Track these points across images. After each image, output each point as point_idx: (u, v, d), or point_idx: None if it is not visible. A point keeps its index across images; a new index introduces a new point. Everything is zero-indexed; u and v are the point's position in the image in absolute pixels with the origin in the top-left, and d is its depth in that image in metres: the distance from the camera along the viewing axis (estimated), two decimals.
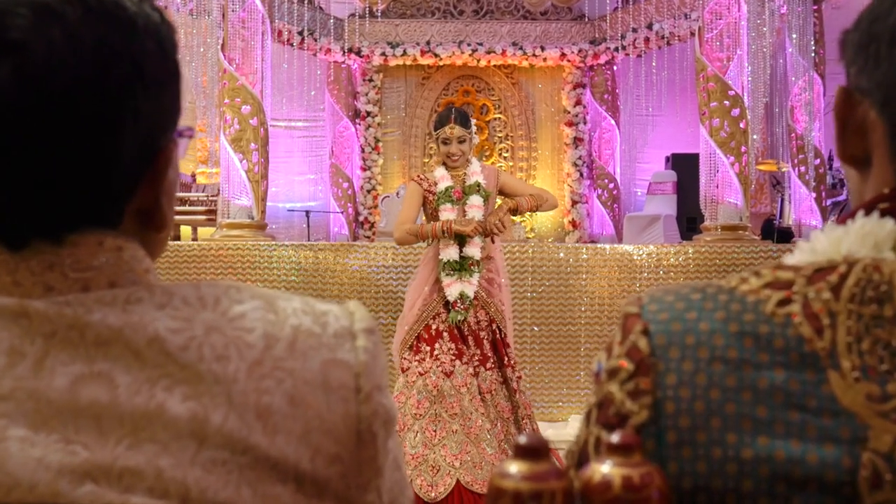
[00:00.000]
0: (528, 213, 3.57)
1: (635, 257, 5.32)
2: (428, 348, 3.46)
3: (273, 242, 5.61)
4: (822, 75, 7.39)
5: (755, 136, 6.16)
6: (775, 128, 7.85)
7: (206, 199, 7.55)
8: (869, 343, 0.56)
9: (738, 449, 0.56)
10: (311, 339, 0.62)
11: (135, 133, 0.60)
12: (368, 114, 9.47)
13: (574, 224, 9.52)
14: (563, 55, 9.36)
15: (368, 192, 9.48)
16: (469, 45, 9.26)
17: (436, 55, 9.27)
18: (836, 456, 0.54)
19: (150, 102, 0.61)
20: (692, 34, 7.14)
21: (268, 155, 6.04)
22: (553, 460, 0.56)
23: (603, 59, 9.42)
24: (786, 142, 7.53)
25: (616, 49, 9.19)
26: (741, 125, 5.75)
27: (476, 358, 3.47)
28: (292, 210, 8.45)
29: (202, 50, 7.06)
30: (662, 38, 8.68)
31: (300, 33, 8.55)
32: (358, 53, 9.23)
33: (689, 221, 7.45)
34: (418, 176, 3.68)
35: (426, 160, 9.52)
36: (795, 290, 0.59)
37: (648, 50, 8.97)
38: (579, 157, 9.54)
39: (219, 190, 6.16)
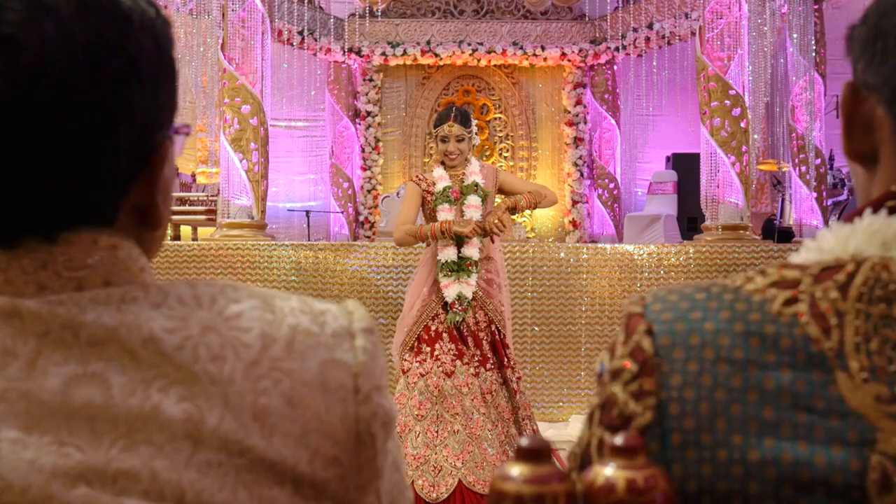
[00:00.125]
0: (528, 210, 3.54)
1: (636, 257, 5.31)
2: (428, 349, 3.45)
3: (273, 242, 5.60)
4: (823, 75, 7.38)
5: (756, 136, 6.16)
6: (776, 127, 7.84)
7: (206, 198, 7.54)
8: (877, 343, 0.55)
9: (744, 451, 0.55)
10: (309, 339, 0.60)
11: (130, 129, 0.59)
12: (369, 113, 9.46)
13: (574, 224, 9.52)
14: (564, 55, 9.36)
15: (369, 191, 9.47)
16: (469, 44, 9.26)
17: (436, 55, 9.27)
18: (844, 458, 0.53)
19: (146, 98, 0.60)
20: (693, 34, 7.13)
21: (268, 155, 6.04)
22: (555, 462, 0.55)
23: (603, 59, 9.41)
24: (786, 141, 7.52)
25: (616, 49, 9.18)
26: (742, 125, 5.75)
27: (476, 358, 3.46)
28: (292, 210, 8.44)
29: (202, 49, 7.06)
30: (663, 37, 8.67)
31: (300, 33, 8.55)
32: (358, 53, 9.22)
33: (689, 221, 7.44)
34: (417, 176, 3.66)
35: (426, 160, 9.52)
36: (802, 290, 0.58)
37: (649, 49, 8.96)
38: (580, 157, 9.53)
39: (219, 190, 6.15)
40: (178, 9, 7.08)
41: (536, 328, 5.28)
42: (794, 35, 7.04)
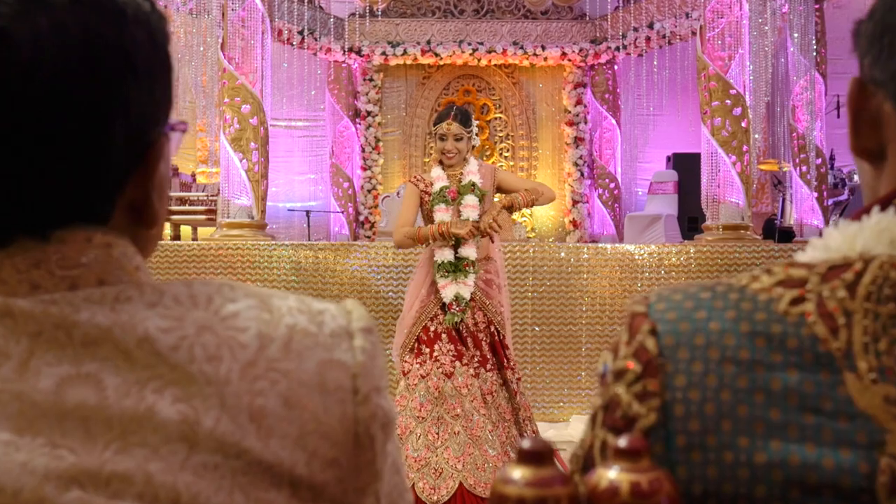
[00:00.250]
0: (525, 208, 3.52)
1: (637, 257, 5.30)
2: (428, 350, 3.43)
3: (273, 242, 5.60)
4: (824, 74, 7.37)
5: (756, 136, 6.15)
6: (776, 127, 7.84)
7: (206, 198, 7.54)
8: (886, 343, 0.54)
9: (751, 453, 0.54)
10: (307, 339, 0.59)
11: (125, 126, 0.58)
12: (369, 113, 9.46)
13: (575, 224, 9.51)
14: (564, 54, 9.36)
15: (369, 191, 9.47)
16: (470, 44, 9.25)
17: (436, 54, 9.26)
18: (852, 461, 0.52)
19: (141, 94, 0.59)
20: (693, 33, 7.13)
21: (268, 154, 6.03)
22: (557, 465, 0.54)
23: (604, 59, 9.41)
24: (787, 141, 7.52)
25: (617, 48, 9.18)
26: (743, 124, 5.74)
27: (476, 359, 3.44)
28: (292, 210, 8.44)
29: (202, 49, 7.05)
30: (663, 37, 8.67)
31: (300, 32, 8.54)
32: (358, 53, 9.22)
33: (690, 221, 7.44)
34: (415, 177, 3.65)
35: (426, 160, 9.51)
36: (809, 289, 0.57)
37: (649, 49, 8.96)
38: (580, 157, 9.53)
39: (219, 190, 6.15)
40: (178, 8, 7.07)
41: (537, 328, 5.28)
42: (795, 34, 7.04)
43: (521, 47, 9.29)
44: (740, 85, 5.79)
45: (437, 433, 3.33)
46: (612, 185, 9.53)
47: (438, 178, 3.55)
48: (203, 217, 7.36)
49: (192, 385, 0.55)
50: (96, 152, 0.57)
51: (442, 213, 3.50)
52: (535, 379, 5.23)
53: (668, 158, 8.55)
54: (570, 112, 9.56)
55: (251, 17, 5.93)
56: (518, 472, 0.52)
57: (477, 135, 3.65)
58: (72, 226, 0.58)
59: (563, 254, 5.34)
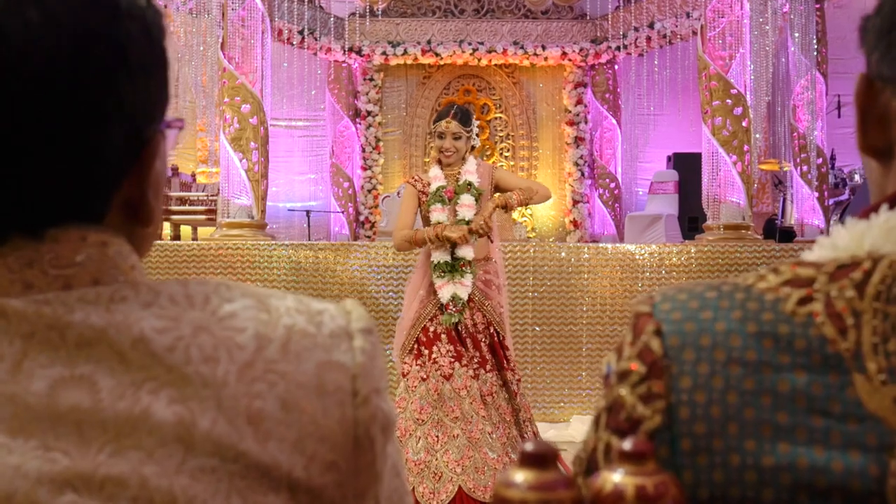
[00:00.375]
0: (520, 207, 3.50)
1: (637, 257, 5.29)
2: (427, 352, 3.42)
3: (273, 242, 5.59)
4: (825, 74, 7.37)
5: (757, 136, 6.14)
6: (777, 127, 7.84)
7: (206, 198, 7.53)
8: None
9: (758, 456, 0.53)
10: (306, 340, 0.58)
11: (119, 122, 0.57)
12: (369, 113, 9.46)
13: (575, 223, 9.51)
14: (565, 54, 9.35)
15: (369, 191, 9.47)
16: (470, 44, 9.25)
17: (436, 54, 9.26)
18: (862, 464, 0.51)
19: (136, 90, 0.58)
20: (694, 33, 7.12)
21: (268, 154, 6.03)
22: (560, 468, 0.53)
23: (604, 59, 9.41)
24: (788, 141, 7.51)
25: (617, 48, 9.18)
26: (744, 124, 5.73)
27: (475, 360, 3.42)
28: (293, 210, 8.43)
29: (202, 49, 7.04)
30: (664, 36, 8.67)
31: (300, 32, 8.54)
32: (358, 52, 9.21)
33: (690, 221, 7.43)
34: (413, 177, 3.64)
35: (426, 160, 9.51)
36: (817, 288, 0.56)
37: (650, 49, 8.95)
38: (580, 157, 9.53)
39: (219, 189, 6.14)
40: (178, 8, 7.07)
41: (537, 328, 5.27)
42: (796, 34, 7.03)
43: (522, 47, 9.29)
44: (741, 84, 5.78)
45: (437, 436, 3.32)
46: (613, 185, 9.53)
47: (436, 177, 3.54)
48: (203, 217, 7.36)
49: (188, 387, 0.54)
50: (90, 149, 0.56)
51: (438, 213, 3.48)
52: (536, 379, 5.22)
53: (669, 158, 8.55)
54: (570, 112, 9.55)
55: (251, 16, 5.92)
56: (521, 476, 0.51)
57: (477, 135, 3.64)
58: (66, 224, 0.57)
59: (563, 254, 5.33)
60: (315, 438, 0.57)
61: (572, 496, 0.51)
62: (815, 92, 7.14)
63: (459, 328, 3.44)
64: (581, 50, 9.35)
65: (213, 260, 5.36)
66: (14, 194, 0.55)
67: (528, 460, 0.51)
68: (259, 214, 5.90)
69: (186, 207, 7.51)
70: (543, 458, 0.51)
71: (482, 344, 3.45)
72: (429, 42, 9.26)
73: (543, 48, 9.31)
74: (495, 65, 9.57)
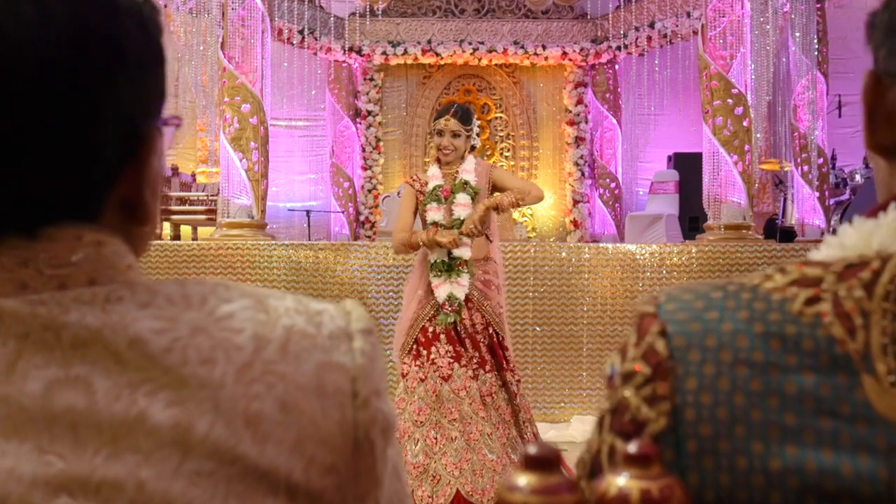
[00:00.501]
0: (512, 208, 3.46)
1: (638, 257, 5.29)
2: (425, 352, 3.41)
3: (273, 242, 5.58)
4: (826, 74, 7.36)
5: (758, 135, 6.13)
6: (778, 127, 7.83)
7: (206, 198, 7.53)
8: None
9: (765, 459, 0.52)
10: (305, 341, 0.58)
11: (115, 119, 0.56)
12: (369, 113, 9.45)
13: (576, 223, 9.50)
14: (565, 54, 9.34)
15: (369, 191, 9.46)
16: (470, 43, 9.24)
17: (437, 54, 9.25)
18: (871, 467, 0.50)
19: (132, 86, 0.57)
20: (694, 32, 7.11)
21: (268, 154, 6.02)
22: (563, 472, 0.52)
23: (605, 58, 9.40)
24: (788, 141, 7.51)
25: (618, 48, 9.17)
26: (744, 123, 5.73)
27: (474, 360, 3.41)
28: (293, 210, 8.42)
29: (202, 48, 7.04)
30: (664, 36, 8.66)
31: (300, 32, 8.53)
32: (359, 52, 9.20)
33: (691, 221, 7.42)
34: (411, 177, 3.64)
35: (427, 159, 9.50)
36: (824, 288, 0.55)
37: (650, 48, 8.94)
38: (581, 157, 9.52)
39: (219, 189, 6.13)
40: (178, 7, 7.06)
41: (538, 328, 5.26)
42: (797, 34, 7.02)
43: (522, 47, 9.28)
44: (742, 84, 5.77)
45: (436, 438, 3.30)
46: (613, 185, 9.52)
47: (434, 176, 3.53)
48: (203, 217, 7.35)
49: (185, 389, 0.53)
50: (86, 146, 0.55)
51: (434, 213, 3.48)
52: (537, 379, 5.22)
53: (669, 158, 8.54)
54: (570, 112, 9.54)
55: (251, 16, 5.92)
56: (524, 480, 0.50)
57: (478, 135, 3.62)
58: (61, 223, 0.56)
59: (564, 254, 5.32)
60: (314, 441, 0.56)
61: (576, 500, 0.50)
62: (815, 92, 7.13)
63: (458, 328, 3.43)
64: (581, 50, 9.35)
65: (212, 260, 5.35)
66: (9, 192, 0.54)
67: (531, 463, 0.50)
68: (259, 214, 5.90)
69: (186, 207, 7.50)
70: (547, 461, 0.50)
71: (481, 344, 3.44)
72: (429, 42, 9.25)
73: (544, 48, 9.31)
74: (496, 64, 9.57)
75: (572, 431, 4.97)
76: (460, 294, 3.40)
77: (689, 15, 8.28)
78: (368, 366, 0.59)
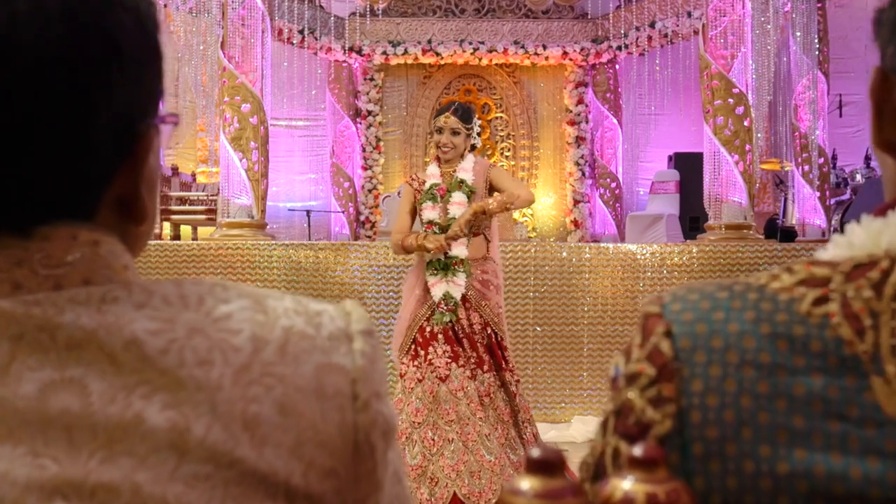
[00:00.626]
0: (500, 213, 3.42)
1: (639, 257, 5.28)
2: (423, 352, 3.40)
3: (273, 242, 5.58)
4: (826, 73, 7.36)
5: (759, 135, 6.12)
6: (779, 126, 7.82)
7: (206, 198, 7.52)
8: None
9: (773, 463, 0.51)
10: (304, 342, 0.56)
11: (111, 116, 0.55)
12: (369, 113, 9.44)
13: (576, 223, 9.50)
14: (565, 54, 9.34)
15: (369, 191, 9.45)
16: (471, 43, 9.23)
17: (437, 54, 9.24)
18: (881, 471, 0.49)
19: (128, 83, 0.56)
20: (695, 32, 7.11)
21: (268, 154, 6.01)
22: (567, 475, 0.51)
23: (605, 58, 9.39)
24: (789, 141, 7.50)
25: (618, 47, 9.16)
26: (745, 123, 5.72)
27: (472, 360, 3.39)
28: (293, 210, 8.42)
29: (202, 48, 7.03)
30: (665, 36, 8.65)
31: (301, 32, 8.52)
32: (359, 52, 9.20)
33: (691, 221, 7.41)
34: (411, 177, 3.64)
35: (427, 159, 9.49)
36: (833, 288, 0.54)
37: (651, 48, 8.94)
38: (581, 157, 9.51)
39: (219, 189, 6.12)
40: (178, 7, 7.05)
41: (538, 328, 5.25)
42: (798, 33, 7.02)
43: (523, 46, 9.27)
44: (743, 84, 5.76)
45: (433, 439, 3.29)
46: (614, 185, 9.51)
47: (432, 175, 3.53)
48: (203, 217, 7.34)
49: (181, 391, 0.52)
50: (81, 144, 0.54)
51: (429, 211, 3.48)
52: (537, 379, 5.21)
53: (670, 158, 8.53)
54: (571, 111, 9.54)
55: (251, 15, 5.91)
56: (527, 483, 0.49)
57: (479, 135, 3.61)
58: (56, 222, 0.55)
59: (564, 253, 5.32)
60: (313, 444, 0.55)
61: None
62: (816, 91, 7.12)
63: (456, 328, 3.42)
64: (582, 49, 9.34)
65: (212, 260, 5.34)
66: (2, 191, 0.53)
67: (534, 466, 0.49)
68: (259, 214, 5.89)
69: (186, 207, 7.49)
70: (550, 464, 0.49)
71: (479, 344, 3.42)
72: (429, 42, 9.25)
73: (544, 48, 9.30)
74: (496, 64, 9.56)
75: (573, 432, 4.96)
76: (456, 293, 3.39)
77: (689, 14, 8.27)
78: (369, 367, 0.58)
